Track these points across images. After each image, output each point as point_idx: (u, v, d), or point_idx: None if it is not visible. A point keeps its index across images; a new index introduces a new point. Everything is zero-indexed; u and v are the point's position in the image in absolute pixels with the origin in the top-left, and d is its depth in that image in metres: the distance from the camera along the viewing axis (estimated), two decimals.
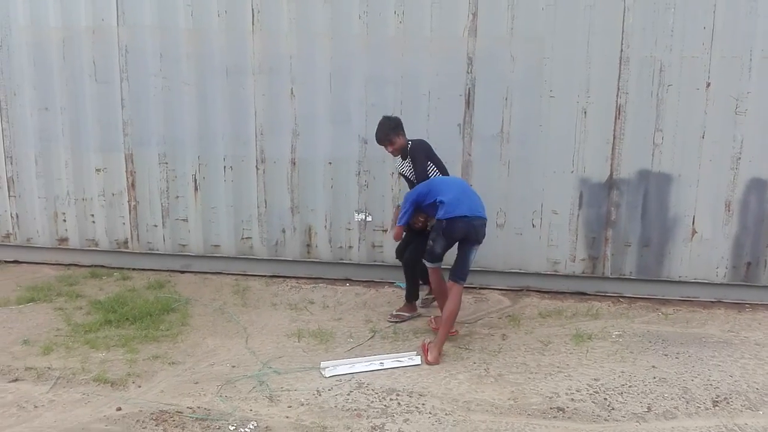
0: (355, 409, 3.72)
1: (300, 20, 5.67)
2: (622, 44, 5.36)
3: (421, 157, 4.83)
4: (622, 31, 5.34)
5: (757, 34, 5.23)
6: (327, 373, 4.11)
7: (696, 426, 3.60)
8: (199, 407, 3.70)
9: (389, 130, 4.83)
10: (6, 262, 6.35)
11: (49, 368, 4.13)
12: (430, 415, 3.67)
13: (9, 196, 6.32)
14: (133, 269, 6.13)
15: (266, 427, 3.52)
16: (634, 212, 5.57)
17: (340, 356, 4.39)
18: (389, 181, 5.74)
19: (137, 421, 3.55)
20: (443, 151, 5.46)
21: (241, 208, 6.00)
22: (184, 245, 6.15)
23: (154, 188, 6.09)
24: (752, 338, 4.84)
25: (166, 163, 6.03)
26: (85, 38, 5.96)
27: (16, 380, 3.99)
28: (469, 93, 5.58)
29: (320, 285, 5.83)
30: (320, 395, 3.87)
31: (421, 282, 5.11)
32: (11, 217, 6.36)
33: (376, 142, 4.94)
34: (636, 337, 4.81)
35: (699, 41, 5.29)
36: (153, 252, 6.18)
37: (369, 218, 5.85)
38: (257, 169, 5.92)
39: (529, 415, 3.70)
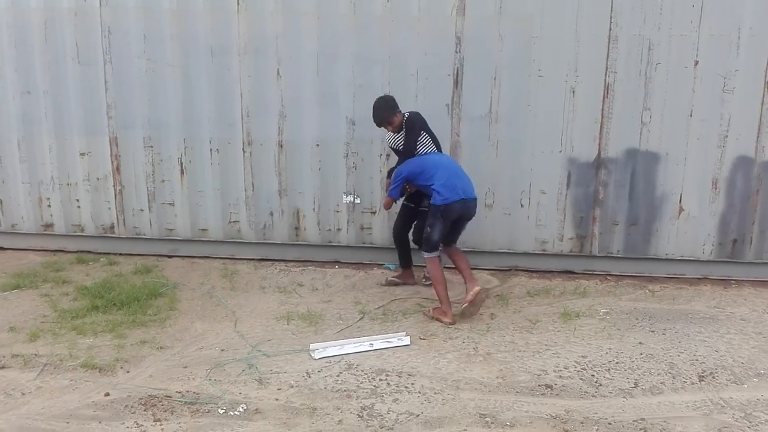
0: (345, 390, 3.73)
1: None
2: (610, 23, 5.33)
3: (416, 128, 4.93)
4: (611, 10, 5.31)
5: (745, 12, 5.22)
6: (316, 355, 4.12)
7: (682, 400, 3.65)
8: (188, 391, 3.69)
9: (387, 111, 4.88)
10: None
11: (36, 355, 4.11)
12: (419, 395, 3.69)
13: None
14: (120, 254, 6.08)
15: (256, 410, 3.52)
16: (621, 191, 5.58)
17: (329, 338, 4.39)
18: (377, 162, 5.71)
19: (126, 406, 3.54)
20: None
21: (228, 191, 5.95)
22: (171, 229, 6.11)
23: (139, 172, 6.03)
24: (738, 314, 4.89)
25: (152, 147, 5.96)
26: (67, 19, 5.85)
27: (2, 368, 3.96)
28: (457, 73, 5.54)
29: (309, 268, 5.82)
30: (310, 377, 3.88)
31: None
32: None
33: (375, 124, 4.95)
34: (623, 314, 4.85)
35: (687, 19, 5.27)
36: (140, 237, 6.13)
37: (357, 200, 5.82)
38: (244, 151, 5.86)
39: (517, 392, 3.73)
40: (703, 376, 3.92)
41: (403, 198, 5.20)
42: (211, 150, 5.90)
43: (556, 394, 3.71)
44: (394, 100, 4.94)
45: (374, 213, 5.82)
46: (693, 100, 5.37)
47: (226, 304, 4.98)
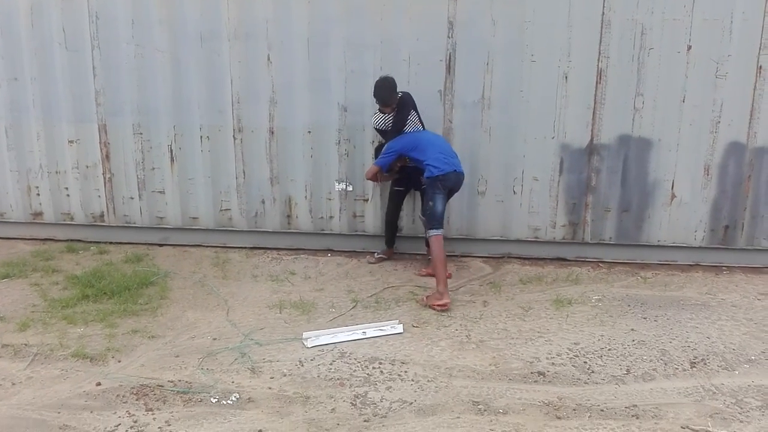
0: (338, 379, 3.73)
1: None
2: (603, 7, 5.29)
3: (407, 107, 5.09)
4: None
5: None
6: (309, 343, 4.11)
7: (674, 387, 3.67)
8: (180, 380, 3.67)
9: (391, 92, 5.03)
10: None
11: (26, 345, 4.07)
12: (412, 382, 3.69)
13: None
14: (110, 243, 6.04)
15: (249, 399, 3.51)
16: (614, 177, 5.58)
17: (322, 326, 4.38)
18: (370, 149, 5.67)
19: (117, 395, 3.52)
20: (424, 118, 5.41)
21: (219, 179, 5.90)
22: (161, 218, 6.06)
23: (129, 160, 5.97)
24: (729, 300, 4.91)
25: (141, 134, 5.90)
26: (54, 5, 5.75)
27: None
28: (449, 58, 5.49)
29: (301, 256, 5.79)
30: (303, 365, 3.87)
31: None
32: None
33: (377, 102, 5.09)
34: (615, 301, 4.87)
35: (681, 4, 5.23)
36: (130, 225, 6.08)
37: (350, 188, 5.79)
38: (234, 138, 5.81)
39: (510, 379, 3.74)
40: (694, 363, 3.94)
41: (392, 184, 5.42)
42: (201, 137, 5.84)
43: (549, 381, 3.73)
44: (395, 82, 5.07)
45: (367, 200, 5.80)
46: (686, 85, 5.36)
47: (218, 293, 4.96)
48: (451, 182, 4.89)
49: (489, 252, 5.79)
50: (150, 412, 3.37)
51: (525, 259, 5.72)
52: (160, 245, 6.02)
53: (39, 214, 6.18)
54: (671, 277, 5.39)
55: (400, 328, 4.32)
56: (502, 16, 5.38)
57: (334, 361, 3.93)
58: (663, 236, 5.64)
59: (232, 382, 3.68)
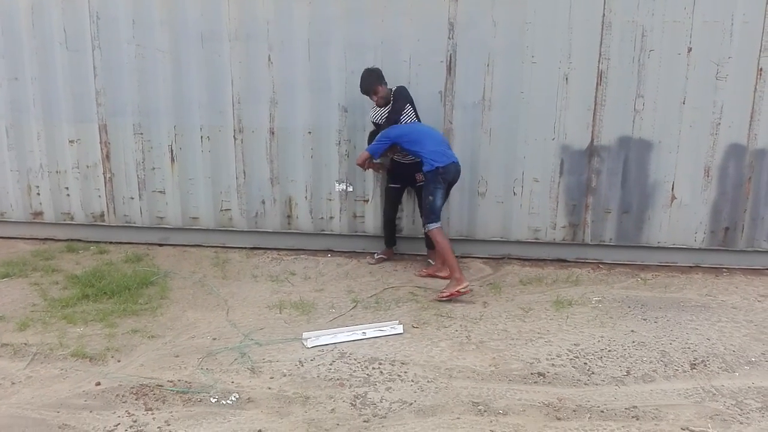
0: (338, 379, 3.72)
1: None
2: (604, 8, 5.30)
3: (403, 100, 5.16)
4: None
5: None
6: (309, 343, 4.10)
7: (674, 388, 3.66)
8: (179, 380, 3.67)
9: (374, 80, 5.14)
10: None
11: (25, 344, 4.07)
12: (412, 383, 3.69)
13: None
14: (110, 243, 6.04)
15: (248, 399, 3.51)
16: (614, 179, 5.58)
17: (322, 327, 4.38)
18: None
19: (117, 395, 3.51)
20: (424, 119, 5.42)
21: (220, 179, 5.90)
22: (161, 218, 6.06)
23: (129, 159, 5.97)
24: (729, 302, 4.91)
25: (141, 134, 5.90)
26: (55, 5, 5.75)
27: None
28: (450, 59, 5.49)
29: (301, 256, 5.79)
30: (302, 366, 3.87)
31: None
32: None
33: (361, 93, 5.20)
34: (615, 302, 4.86)
35: (681, 6, 5.24)
36: (130, 225, 6.08)
37: (350, 188, 5.79)
38: (235, 139, 5.81)
39: (510, 380, 3.73)
40: (694, 364, 3.94)
41: (388, 181, 5.54)
42: (201, 137, 5.84)
43: (549, 382, 3.72)
44: (381, 72, 5.19)
45: (367, 201, 5.80)
46: (686, 87, 5.36)
47: (217, 293, 4.96)
48: (451, 174, 4.94)
49: (489, 253, 5.79)
50: (149, 412, 3.37)
51: (525, 260, 5.72)
52: (160, 245, 6.02)
53: (39, 213, 6.18)
54: (671, 278, 5.39)
55: (400, 329, 4.32)
56: (503, 18, 5.38)
57: (333, 361, 3.93)
58: (663, 238, 5.64)
59: (232, 382, 3.68)
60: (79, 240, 6.07)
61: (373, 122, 5.38)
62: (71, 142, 6.00)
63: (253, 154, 5.83)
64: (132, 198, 6.03)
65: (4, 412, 3.35)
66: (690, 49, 5.30)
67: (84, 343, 4.07)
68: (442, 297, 4.80)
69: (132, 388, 3.58)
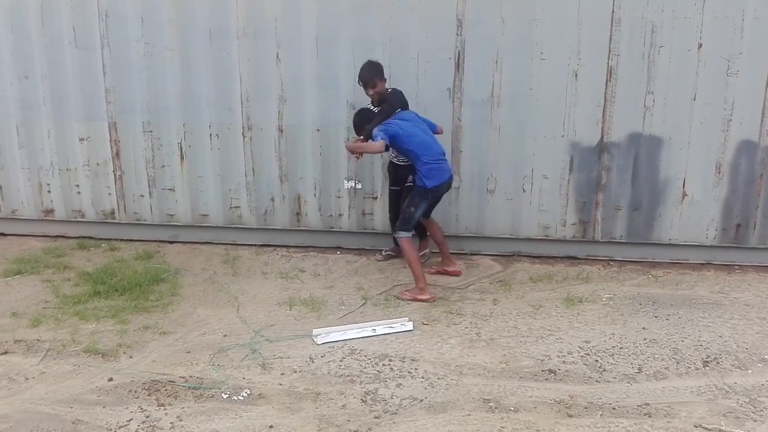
0: (348, 375, 3.73)
1: None
2: (613, 5, 5.26)
3: (396, 102, 4.96)
4: None
5: None
6: (319, 340, 4.11)
7: (686, 386, 3.65)
8: (191, 376, 3.69)
9: (375, 72, 4.96)
10: None
11: (38, 340, 4.10)
12: (422, 380, 3.69)
13: None
14: (121, 240, 6.07)
15: (259, 395, 3.52)
16: (624, 176, 5.55)
17: (332, 324, 4.39)
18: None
19: (129, 391, 3.53)
20: (433, 116, 5.40)
21: (229, 176, 5.92)
22: (171, 215, 6.08)
23: (139, 157, 5.99)
24: (741, 299, 4.88)
25: (151, 132, 5.92)
26: (64, 3, 5.78)
27: (5, 353, 3.96)
28: (458, 56, 5.48)
29: (311, 253, 5.80)
30: (313, 362, 3.88)
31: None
32: None
33: (358, 83, 4.99)
34: (626, 299, 4.84)
35: (691, 1, 5.19)
36: (140, 222, 6.11)
37: (359, 186, 5.77)
38: (244, 136, 5.82)
39: (521, 377, 3.73)
40: (707, 362, 3.92)
41: (389, 183, 5.49)
42: (210, 135, 5.86)
43: (560, 379, 3.71)
44: (383, 67, 5.04)
45: (375, 198, 5.80)
46: (696, 83, 5.32)
47: (228, 290, 4.97)
48: (443, 191, 4.86)
49: (499, 250, 5.77)
50: (162, 408, 3.38)
51: (535, 257, 5.71)
52: (171, 242, 6.04)
53: (50, 211, 6.22)
54: (683, 275, 5.36)
55: (410, 326, 4.32)
56: (512, 14, 5.36)
57: (344, 357, 3.93)
58: (674, 235, 5.61)
59: (243, 378, 3.69)
60: (90, 237, 6.10)
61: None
62: (81, 140, 6.03)
63: (261, 152, 5.84)
64: (142, 195, 6.06)
65: (18, 407, 3.38)
66: (700, 45, 5.26)
67: (96, 340, 4.09)
68: (403, 295, 4.80)
69: (144, 383, 3.60)
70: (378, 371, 3.78)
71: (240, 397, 3.49)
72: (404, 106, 5.02)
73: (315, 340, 4.12)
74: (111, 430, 3.20)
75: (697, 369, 3.84)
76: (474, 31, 5.42)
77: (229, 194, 5.95)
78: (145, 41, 5.76)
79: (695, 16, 5.22)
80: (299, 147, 5.79)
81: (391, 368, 3.81)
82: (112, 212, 6.13)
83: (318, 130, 5.73)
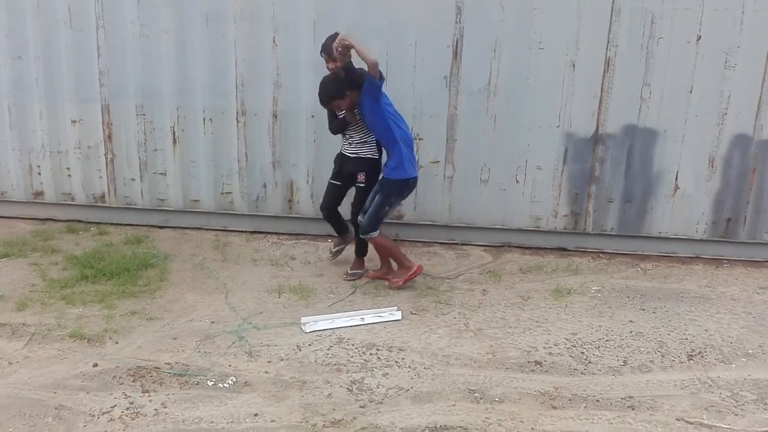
0: (335, 364, 3.73)
1: None
2: None
3: (359, 75, 4.45)
4: None
5: None
6: (307, 328, 4.11)
7: (670, 379, 3.66)
8: (177, 363, 3.69)
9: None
10: None
11: (23, 324, 4.09)
12: (409, 369, 3.69)
13: None
14: (111, 224, 6.03)
15: (245, 382, 3.52)
16: (618, 168, 5.53)
17: (320, 312, 4.39)
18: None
19: (114, 377, 3.53)
20: (429, 105, 5.40)
21: (221, 161, 5.88)
22: (162, 200, 6.05)
23: (131, 141, 5.95)
24: (728, 293, 4.89)
25: (144, 115, 5.87)
26: None
27: None
28: (457, 44, 5.43)
29: (302, 241, 5.78)
30: (300, 350, 3.88)
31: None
32: None
33: (320, 51, 4.51)
34: (614, 292, 4.85)
35: None
36: (131, 206, 6.08)
37: None
38: (237, 121, 5.78)
39: (507, 368, 3.73)
40: (692, 355, 3.93)
41: (331, 175, 4.98)
42: (204, 119, 5.82)
43: (546, 371, 3.72)
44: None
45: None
46: (694, 76, 5.29)
47: (217, 276, 4.96)
48: (412, 190, 4.76)
49: (489, 240, 5.76)
50: (146, 394, 3.38)
51: (525, 248, 5.70)
52: (161, 227, 6.01)
53: (40, 193, 6.18)
54: (671, 269, 5.36)
55: (398, 315, 4.32)
56: (511, 2, 5.31)
57: (331, 346, 3.94)
58: (664, 228, 5.60)
59: (229, 365, 3.69)
60: (79, 221, 6.07)
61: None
62: (73, 122, 5.98)
63: (255, 137, 5.80)
64: (133, 179, 6.03)
65: (1, 392, 3.38)
66: (699, 38, 5.22)
67: (82, 324, 4.09)
68: (396, 284, 4.74)
69: (129, 369, 3.60)
70: (365, 360, 3.78)
71: (225, 385, 3.50)
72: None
73: (303, 328, 4.12)
74: (94, 416, 3.20)
75: (682, 363, 3.85)
76: (473, 18, 5.37)
77: (221, 180, 5.92)
78: (140, 23, 5.69)
79: (695, 7, 5.18)
80: (293, 133, 5.75)
81: (378, 357, 3.82)
82: (103, 196, 6.10)
83: (312, 116, 5.69)
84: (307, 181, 5.83)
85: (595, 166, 5.55)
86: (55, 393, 3.37)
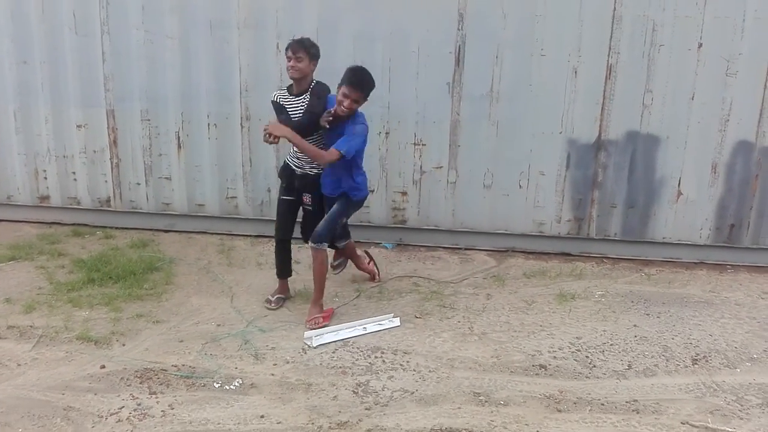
0: (341, 367, 3.75)
1: None
2: (615, 2, 5.25)
3: (325, 100, 4.24)
4: None
5: None
6: (314, 342, 3.99)
7: (675, 383, 3.67)
8: (183, 365, 3.70)
9: (306, 44, 4.21)
10: None
11: (31, 327, 4.11)
12: (414, 372, 3.71)
13: None
14: (116, 228, 6.06)
15: (251, 385, 3.54)
16: (620, 174, 5.56)
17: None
18: (377, 141, 5.65)
19: (121, 378, 3.55)
20: (432, 111, 5.42)
21: (226, 166, 5.91)
22: (167, 204, 6.08)
23: (136, 145, 5.98)
24: (732, 299, 4.91)
25: (149, 120, 5.91)
26: None
27: None
28: (459, 50, 5.47)
29: (306, 245, 5.76)
30: (305, 353, 3.90)
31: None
32: None
33: (293, 47, 4.22)
34: (618, 296, 4.87)
35: (693, 1, 5.19)
36: (136, 211, 6.10)
37: None
38: (242, 126, 5.82)
39: (511, 372, 3.75)
40: (696, 360, 3.95)
41: (280, 192, 4.56)
42: (209, 124, 5.85)
43: (550, 375, 3.74)
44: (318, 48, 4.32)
45: (372, 191, 5.79)
46: (695, 83, 5.32)
47: (222, 280, 4.98)
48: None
49: (493, 245, 5.79)
50: (153, 396, 3.40)
51: (529, 253, 5.72)
52: (166, 231, 6.04)
53: (46, 197, 6.21)
54: (675, 274, 5.38)
55: (397, 322, 4.30)
56: (513, 9, 5.35)
57: (336, 349, 3.95)
58: (668, 233, 5.63)
59: (236, 367, 3.71)
60: (85, 225, 6.09)
61: (277, 103, 4.39)
62: (79, 126, 6.01)
63: (259, 143, 5.72)
64: (138, 184, 6.05)
65: (10, 393, 3.39)
66: (700, 45, 5.26)
67: (89, 327, 4.11)
68: (316, 325, 4.24)
69: (136, 371, 3.62)
70: (370, 363, 3.80)
71: (232, 387, 3.51)
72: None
73: (309, 343, 4.00)
74: (102, 417, 3.21)
75: (686, 367, 3.86)
76: (475, 25, 5.41)
77: (226, 184, 5.95)
78: (145, 29, 5.74)
79: (696, 15, 5.22)
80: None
81: (383, 360, 3.83)
82: (108, 200, 6.13)
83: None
84: None
85: (597, 172, 5.58)
86: (63, 394, 3.39)
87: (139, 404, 3.32)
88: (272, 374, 3.65)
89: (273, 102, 4.41)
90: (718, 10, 5.18)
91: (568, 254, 5.72)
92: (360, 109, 4.22)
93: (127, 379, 3.54)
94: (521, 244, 5.77)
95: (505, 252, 5.74)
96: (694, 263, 5.61)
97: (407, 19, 5.45)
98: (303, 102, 4.26)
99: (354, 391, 3.50)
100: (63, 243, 5.66)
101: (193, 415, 3.25)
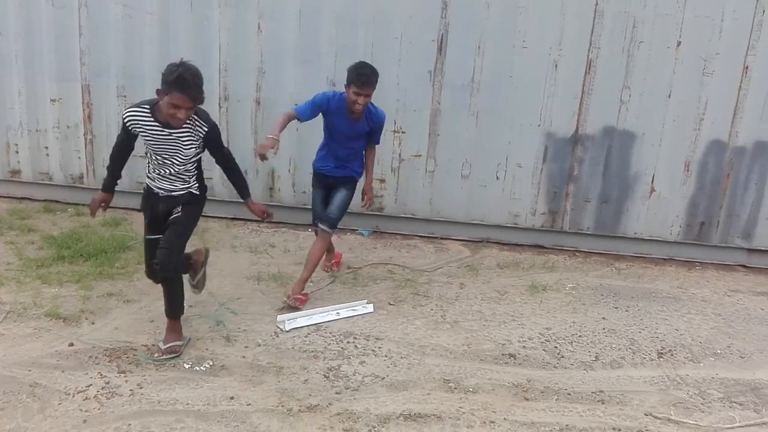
0: (312, 351, 3.75)
1: None
2: None
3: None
4: None
5: None
6: (287, 326, 3.99)
7: (640, 375, 3.75)
8: (154, 345, 3.67)
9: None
10: None
11: None
12: (385, 358, 3.73)
13: None
14: (89, 205, 5.94)
15: (222, 366, 3.53)
16: (596, 168, 5.63)
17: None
18: None
19: (90, 357, 3.51)
20: (412, 99, 5.41)
21: None
22: (141, 183, 5.95)
23: (111, 122, 5.86)
24: (699, 295, 5.02)
25: (125, 96, 5.80)
26: None
27: None
28: (441, 39, 5.46)
29: (282, 229, 5.78)
30: (277, 336, 3.89)
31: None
32: None
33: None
34: (589, 289, 4.94)
35: None
36: None
37: None
38: (220, 107, 5.74)
39: (481, 360, 3.79)
40: (661, 353, 4.03)
41: (147, 229, 4.08)
42: None
43: (519, 364, 3.79)
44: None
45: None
46: (673, 81, 5.40)
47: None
48: None
49: (468, 236, 5.83)
50: (122, 375, 3.37)
51: (503, 244, 5.78)
52: (140, 210, 5.92)
53: (17, 172, 6.08)
54: (645, 269, 5.48)
55: (370, 308, 4.32)
56: (496, 0, 5.35)
57: (309, 333, 3.95)
58: (639, 229, 5.72)
59: (207, 349, 3.69)
60: (56, 201, 5.98)
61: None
62: (53, 101, 5.88)
63: (237, 124, 5.78)
64: None
65: None
66: (679, 43, 5.33)
67: (58, 304, 4.04)
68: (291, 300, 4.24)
69: (105, 350, 3.58)
70: (342, 348, 3.81)
71: (202, 368, 3.50)
72: None
73: (281, 327, 3.99)
74: (69, 394, 3.18)
75: (652, 360, 3.95)
76: (458, 14, 5.41)
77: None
78: (124, 3, 5.61)
79: (676, 13, 5.28)
80: (276, 121, 5.71)
81: (355, 346, 3.85)
82: (81, 176, 6.02)
83: (296, 104, 5.66)
84: (289, 170, 5.83)
85: (573, 166, 5.64)
86: (29, 371, 3.34)
87: (107, 383, 3.29)
88: (243, 356, 3.64)
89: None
90: (698, 9, 5.25)
91: (542, 247, 5.78)
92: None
93: (96, 358, 3.50)
94: (496, 235, 5.82)
95: (480, 242, 5.78)
96: (664, 259, 5.71)
97: (390, 3, 5.42)
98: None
99: (325, 375, 3.51)
100: (33, 219, 5.55)
101: (162, 394, 3.23)
